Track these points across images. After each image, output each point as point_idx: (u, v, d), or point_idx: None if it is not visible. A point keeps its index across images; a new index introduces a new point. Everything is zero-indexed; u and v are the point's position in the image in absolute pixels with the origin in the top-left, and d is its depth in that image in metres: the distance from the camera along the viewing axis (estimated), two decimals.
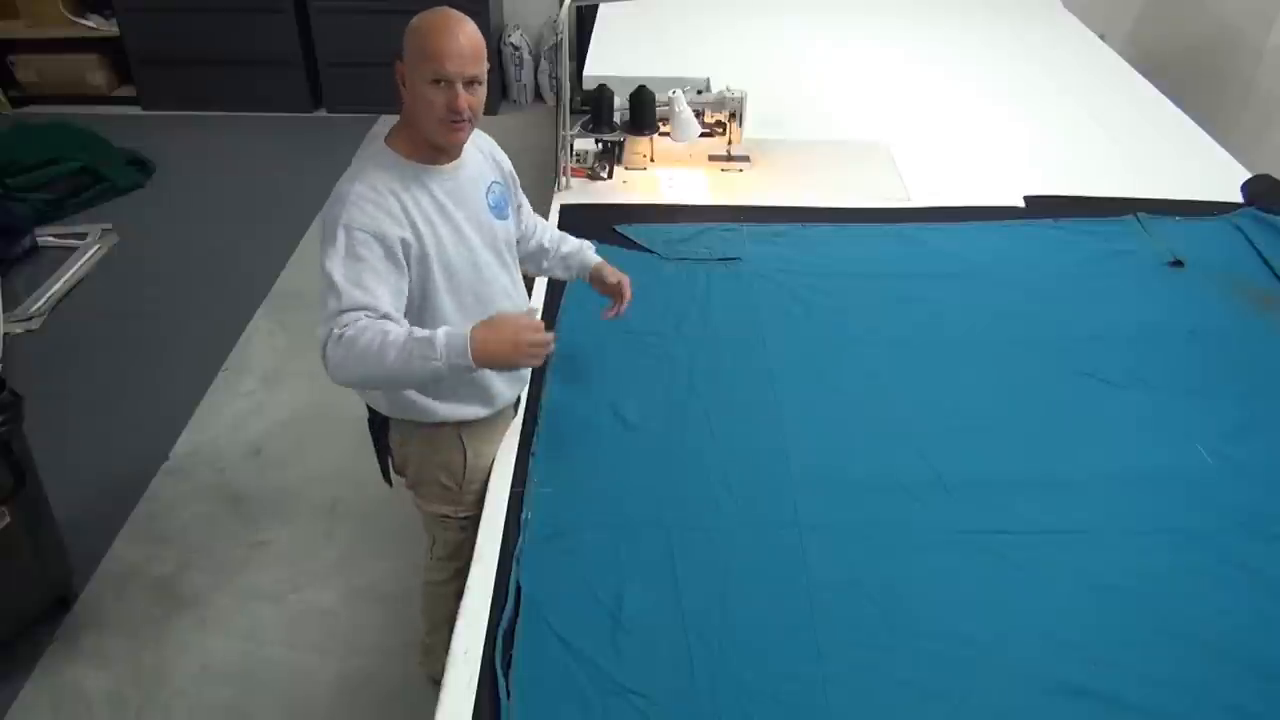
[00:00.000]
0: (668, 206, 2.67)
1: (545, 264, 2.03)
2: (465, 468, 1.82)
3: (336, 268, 1.53)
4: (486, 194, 1.74)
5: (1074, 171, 2.90)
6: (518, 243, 1.91)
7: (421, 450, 1.83)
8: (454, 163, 1.67)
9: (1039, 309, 2.31)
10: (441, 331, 1.51)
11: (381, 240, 1.55)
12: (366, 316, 1.51)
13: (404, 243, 1.58)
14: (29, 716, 2.21)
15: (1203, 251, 2.51)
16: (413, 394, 1.73)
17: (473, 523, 1.80)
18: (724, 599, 1.57)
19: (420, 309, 1.65)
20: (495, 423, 1.86)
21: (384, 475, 1.95)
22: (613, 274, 1.98)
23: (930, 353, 2.16)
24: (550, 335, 1.62)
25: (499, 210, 1.77)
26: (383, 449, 1.89)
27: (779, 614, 1.56)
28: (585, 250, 2.04)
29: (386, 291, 1.56)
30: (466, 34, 1.55)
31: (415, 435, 1.81)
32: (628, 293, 1.97)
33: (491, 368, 1.63)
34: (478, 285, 1.71)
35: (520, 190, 1.93)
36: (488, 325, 1.55)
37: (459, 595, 1.58)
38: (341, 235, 1.54)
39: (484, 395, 1.79)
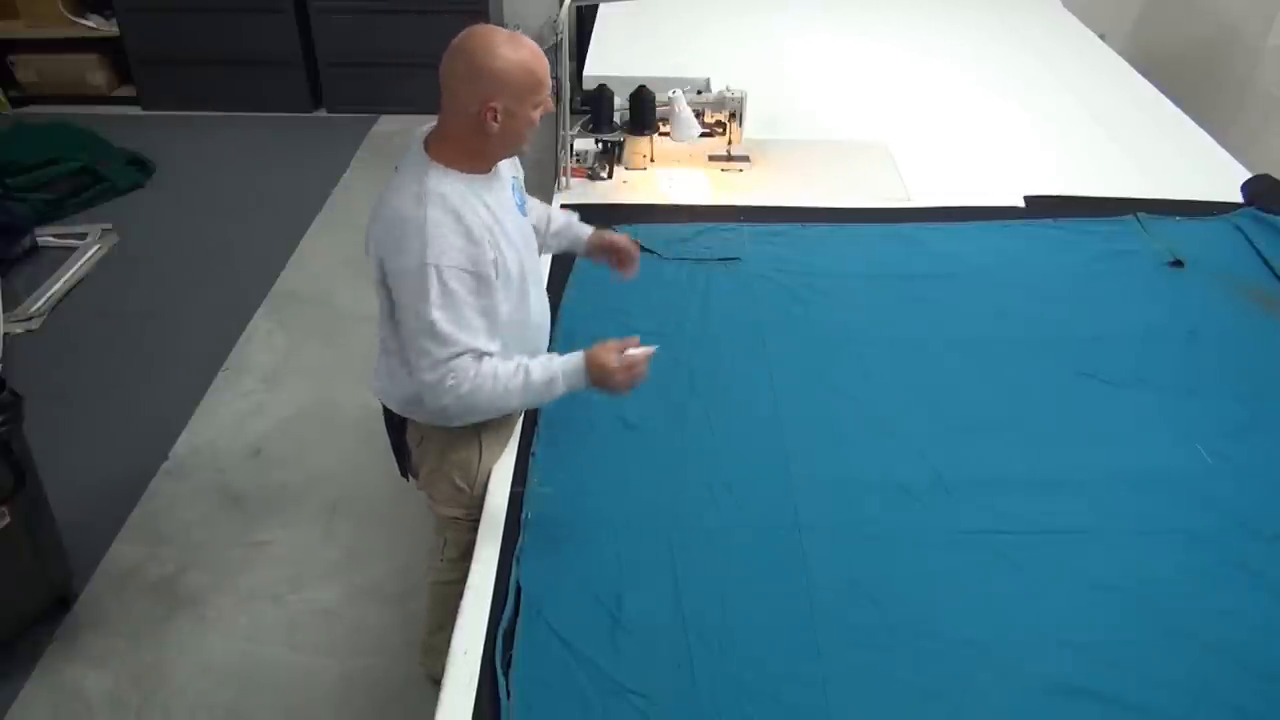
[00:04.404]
0: (668, 206, 2.67)
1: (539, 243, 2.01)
2: (479, 466, 1.82)
3: (433, 310, 1.54)
4: (514, 192, 1.76)
5: (1074, 171, 2.89)
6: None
7: (439, 449, 1.82)
8: (493, 170, 1.68)
9: (1039, 309, 2.31)
10: (559, 371, 1.62)
11: (471, 270, 1.56)
12: (470, 359, 1.57)
13: (493, 263, 1.59)
14: (29, 716, 2.21)
15: (1203, 251, 2.50)
16: None
17: None
18: (724, 599, 1.57)
19: None
20: (509, 419, 1.86)
21: (401, 472, 1.95)
22: (612, 235, 2.02)
23: (930, 353, 2.15)
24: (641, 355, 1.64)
25: (522, 206, 1.79)
26: (400, 447, 1.90)
27: (779, 614, 1.56)
28: (574, 223, 2.04)
29: (483, 323, 1.59)
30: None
31: (433, 434, 1.81)
32: (635, 250, 2.01)
33: (600, 390, 1.67)
34: (522, 283, 1.73)
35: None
36: (601, 353, 1.62)
37: None
38: (433, 275, 1.53)
39: None
